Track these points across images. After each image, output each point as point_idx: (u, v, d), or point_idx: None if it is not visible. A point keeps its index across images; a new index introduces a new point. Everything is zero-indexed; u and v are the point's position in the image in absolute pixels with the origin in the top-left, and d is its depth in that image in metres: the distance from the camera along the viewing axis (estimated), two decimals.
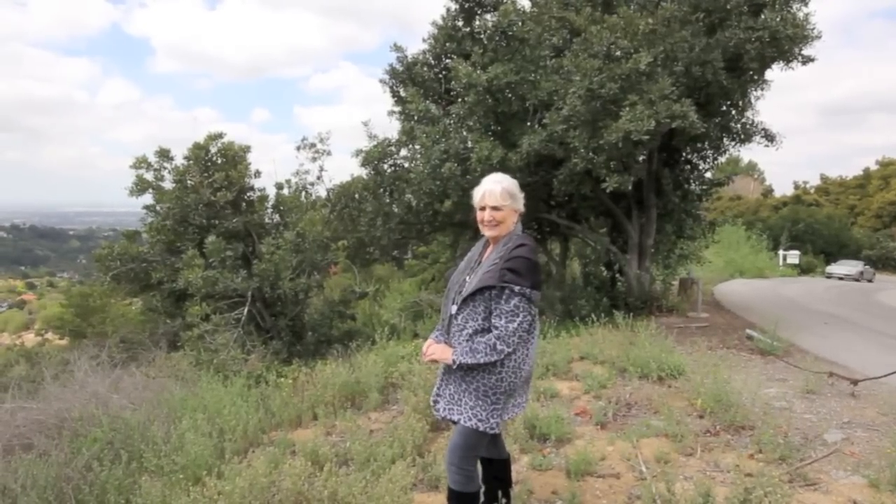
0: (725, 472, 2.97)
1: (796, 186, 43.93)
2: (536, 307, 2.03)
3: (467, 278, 2.10)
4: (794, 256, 28.49)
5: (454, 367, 1.98)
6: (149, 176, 10.55)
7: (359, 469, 3.00)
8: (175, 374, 5.73)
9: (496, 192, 2.05)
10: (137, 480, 2.92)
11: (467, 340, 1.98)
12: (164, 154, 10.65)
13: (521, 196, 2.12)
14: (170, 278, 9.76)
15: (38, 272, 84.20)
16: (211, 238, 9.44)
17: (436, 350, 2.09)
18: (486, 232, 2.09)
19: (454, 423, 2.08)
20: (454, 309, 2.06)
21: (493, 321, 1.95)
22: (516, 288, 1.91)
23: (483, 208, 2.07)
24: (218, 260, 9.29)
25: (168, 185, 10.61)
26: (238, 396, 4.16)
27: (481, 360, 1.92)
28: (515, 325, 1.91)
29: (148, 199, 10.67)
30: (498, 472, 2.31)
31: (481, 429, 1.99)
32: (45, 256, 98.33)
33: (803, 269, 27.88)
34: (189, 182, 10.29)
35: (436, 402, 2.15)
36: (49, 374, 4.82)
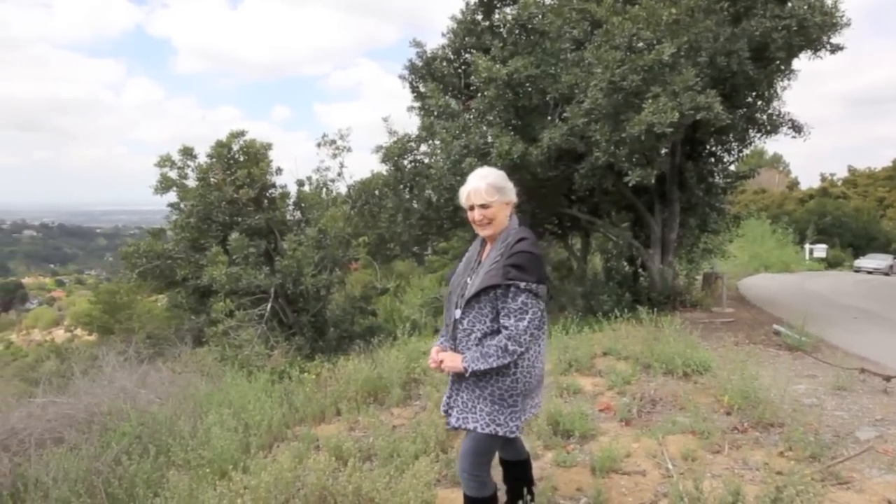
0: (755, 470, 2.92)
1: (823, 179, 42.58)
2: (544, 301, 1.95)
3: (468, 280, 2.02)
4: (820, 250, 27.66)
5: (467, 374, 1.91)
6: (173, 174, 10.78)
7: (382, 464, 3.02)
8: (200, 369, 5.85)
9: (481, 188, 1.95)
10: (165, 474, 2.96)
11: (477, 345, 1.91)
12: (187, 152, 10.87)
13: (509, 187, 2.01)
14: (194, 275, 9.98)
15: (67, 270, 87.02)
16: (234, 235, 9.61)
17: (445, 359, 2.00)
18: (480, 231, 2.02)
19: (469, 430, 2.00)
20: (458, 313, 1.98)
21: (501, 321, 1.87)
22: (522, 284, 1.84)
23: (471, 208, 1.98)
24: (241, 257, 9.46)
25: (192, 182, 10.83)
26: (262, 392, 4.23)
27: (494, 364, 1.85)
28: (525, 323, 1.84)
29: (172, 196, 10.92)
30: (519, 473, 2.27)
31: (500, 433, 1.92)
32: (74, 254, 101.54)
33: (830, 263, 27.06)
34: (212, 180, 10.49)
35: (447, 412, 2.05)
36: (78, 369, 4.96)
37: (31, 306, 62.02)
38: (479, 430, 1.93)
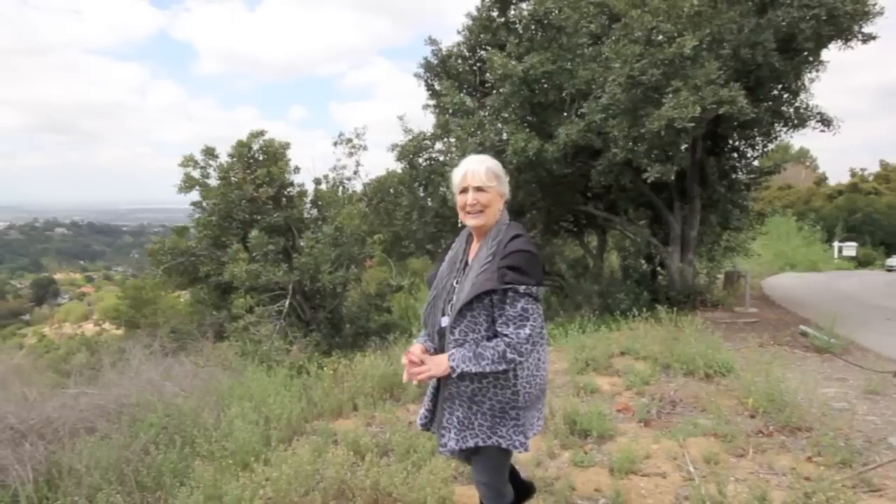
0: (781, 475, 2.83)
1: (853, 174, 41.12)
2: (542, 304, 1.79)
3: (455, 283, 1.82)
4: (850, 248, 26.76)
5: (454, 375, 1.69)
6: (195, 173, 11.00)
7: (399, 460, 3.03)
8: (222, 363, 5.97)
9: (480, 171, 1.77)
10: (190, 464, 3.04)
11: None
12: (209, 152, 11.07)
13: (506, 178, 1.84)
14: (216, 272, 10.18)
15: (96, 266, 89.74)
16: (254, 233, 9.76)
17: (430, 363, 1.73)
18: (470, 221, 1.79)
19: (471, 448, 1.81)
20: (446, 321, 1.77)
21: (499, 329, 1.68)
22: (521, 288, 1.65)
23: (465, 190, 1.78)
24: (261, 254, 9.61)
25: (213, 182, 11.03)
26: (282, 386, 4.29)
27: (487, 369, 1.66)
28: (527, 330, 1.65)
29: (195, 195, 11.14)
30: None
31: (504, 446, 1.77)
32: (102, 251, 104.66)
33: (861, 262, 26.16)
34: (233, 179, 10.67)
35: (441, 435, 1.81)
36: (107, 361, 5.12)
37: (62, 301, 64.20)
38: (480, 443, 1.77)
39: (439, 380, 1.88)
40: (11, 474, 2.78)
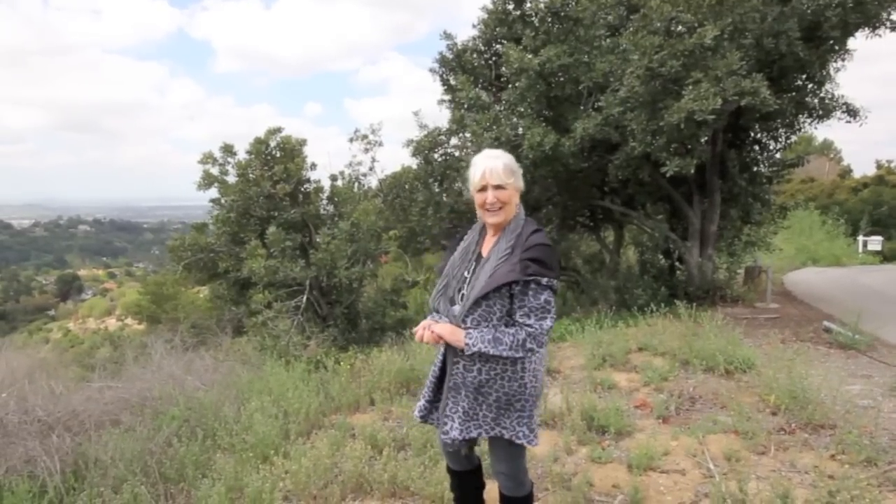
0: (803, 473, 2.79)
1: (879, 166, 39.80)
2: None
3: (466, 273, 1.83)
4: (875, 242, 25.89)
5: (467, 352, 1.71)
6: (214, 171, 11.15)
7: (416, 454, 3.07)
8: (241, 358, 6.08)
9: (498, 168, 1.76)
10: (212, 457, 3.12)
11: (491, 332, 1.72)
12: (228, 149, 11.21)
13: (520, 173, 1.84)
14: (234, 267, 10.33)
15: (118, 262, 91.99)
16: (271, 229, 9.88)
17: (444, 329, 1.74)
18: (490, 219, 1.79)
19: (474, 439, 1.84)
20: (457, 310, 1.78)
21: (519, 319, 1.70)
22: (544, 280, 1.67)
23: (484, 188, 1.78)
24: (278, 250, 9.72)
25: (232, 178, 11.18)
26: (300, 380, 4.35)
27: (504, 354, 1.68)
28: (549, 322, 1.69)
29: (214, 192, 11.30)
30: (467, 485, 2.13)
31: (506, 436, 1.80)
32: (123, 248, 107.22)
33: (886, 257, 25.33)
34: (251, 175, 10.79)
35: (444, 423, 1.82)
36: (130, 356, 5.25)
37: (86, 296, 65.98)
38: (483, 434, 1.80)
39: (442, 369, 1.91)
40: (40, 465, 2.87)
